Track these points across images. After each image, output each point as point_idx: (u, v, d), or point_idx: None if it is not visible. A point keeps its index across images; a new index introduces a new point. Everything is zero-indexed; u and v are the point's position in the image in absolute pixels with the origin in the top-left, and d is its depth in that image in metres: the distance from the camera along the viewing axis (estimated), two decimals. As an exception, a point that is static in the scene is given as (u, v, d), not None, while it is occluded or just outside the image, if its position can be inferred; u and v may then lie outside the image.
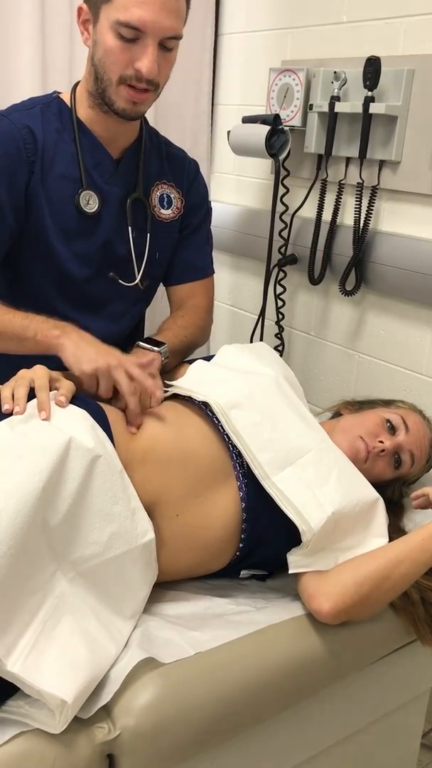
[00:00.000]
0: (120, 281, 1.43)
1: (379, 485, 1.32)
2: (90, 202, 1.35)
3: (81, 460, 1.05)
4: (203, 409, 1.27)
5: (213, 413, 1.25)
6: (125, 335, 1.56)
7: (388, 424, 1.35)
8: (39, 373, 1.17)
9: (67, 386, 1.18)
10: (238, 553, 1.22)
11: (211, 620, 1.13)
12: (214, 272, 1.66)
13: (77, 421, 1.12)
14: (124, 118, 1.30)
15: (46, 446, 1.03)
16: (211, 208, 1.63)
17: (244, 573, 1.25)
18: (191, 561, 1.21)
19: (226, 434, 1.23)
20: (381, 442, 1.32)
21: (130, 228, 1.43)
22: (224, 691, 1.03)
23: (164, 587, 1.20)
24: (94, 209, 1.37)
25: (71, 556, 1.03)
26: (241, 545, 1.21)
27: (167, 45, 1.23)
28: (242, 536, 1.20)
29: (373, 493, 1.25)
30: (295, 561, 1.16)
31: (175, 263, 1.58)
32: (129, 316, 1.54)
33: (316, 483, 1.19)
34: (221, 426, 1.24)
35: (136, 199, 1.43)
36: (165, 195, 1.46)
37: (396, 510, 1.40)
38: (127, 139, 1.42)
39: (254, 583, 1.26)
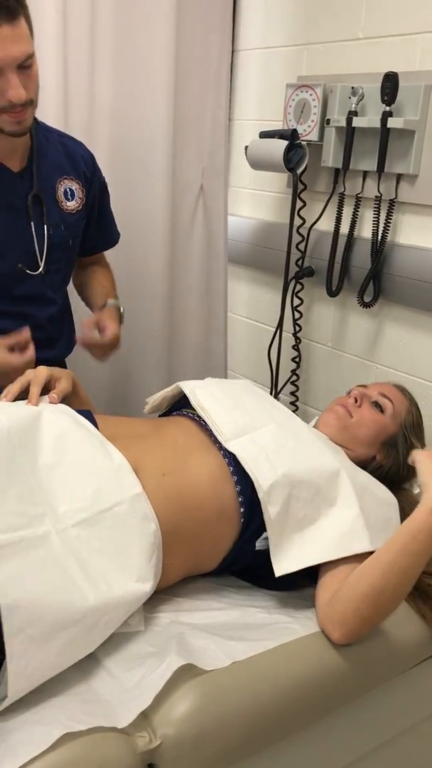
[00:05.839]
0: (27, 271, 1.54)
1: (393, 445, 1.43)
2: None
3: (57, 419, 1.19)
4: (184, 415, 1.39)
5: (193, 417, 1.36)
6: (61, 310, 1.68)
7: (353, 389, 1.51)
8: (39, 371, 1.29)
9: (62, 387, 1.29)
10: (242, 520, 1.23)
11: (245, 630, 1.13)
12: (119, 235, 1.82)
13: (63, 413, 1.23)
14: (17, 136, 1.42)
15: (18, 408, 1.19)
16: (106, 184, 1.73)
17: (259, 545, 1.24)
18: (193, 524, 1.21)
19: (203, 421, 1.33)
20: (348, 394, 1.48)
21: (33, 223, 1.53)
22: (262, 700, 1.03)
23: (194, 595, 1.22)
24: None
25: (59, 509, 1.06)
26: (242, 510, 1.23)
27: (25, 64, 1.31)
28: (240, 499, 1.23)
29: (332, 463, 1.28)
30: (276, 560, 1.18)
31: (90, 237, 1.70)
32: (56, 296, 1.64)
33: (272, 449, 1.25)
34: (196, 416, 1.35)
35: (35, 195, 1.53)
36: (68, 189, 1.58)
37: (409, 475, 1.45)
38: (24, 147, 1.52)
39: (287, 594, 1.27)
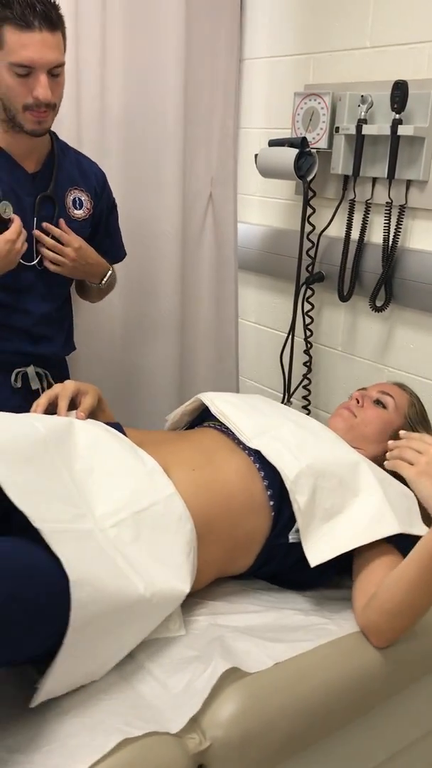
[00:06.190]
0: (22, 261, 1.61)
1: None
2: (6, 211, 1.57)
3: (89, 427, 1.24)
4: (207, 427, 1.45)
5: (214, 426, 1.42)
6: (59, 309, 1.76)
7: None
8: (66, 385, 1.35)
9: (88, 403, 1.34)
10: (273, 513, 1.27)
11: (283, 632, 1.16)
12: (126, 254, 1.90)
13: (93, 423, 1.28)
14: (34, 136, 1.56)
15: (51, 418, 1.24)
16: (115, 204, 1.83)
17: (292, 537, 1.27)
18: (224, 518, 1.24)
19: (224, 428, 1.39)
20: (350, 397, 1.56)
21: (36, 219, 1.63)
22: (305, 700, 1.06)
23: (228, 599, 1.24)
24: (10, 215, 1.57)
25: (96, 512, 1.09)
26: (271, 503, 1.27)
27: (54, 72, 1.47)
28: (268, 492, 1.27)
29: (351, 455, 1.34)
30: (307, 550, 1.21)
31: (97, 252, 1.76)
32: (54, 294, 1.73)
33: (294, 444, 1.31)
34: (217, 425, 1.40)
35: (45, 197, 1.64)
36: (77, 198, 1.69)
37: None
38: (41, 152, 1.64)
39: (321, 595, 1.30)
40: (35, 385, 1.72)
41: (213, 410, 1.43)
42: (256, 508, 1.27)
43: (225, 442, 1.36)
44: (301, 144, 1.93)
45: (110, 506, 1.11)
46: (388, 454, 1.25)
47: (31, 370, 1.71)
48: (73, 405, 1.34)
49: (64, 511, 1.04)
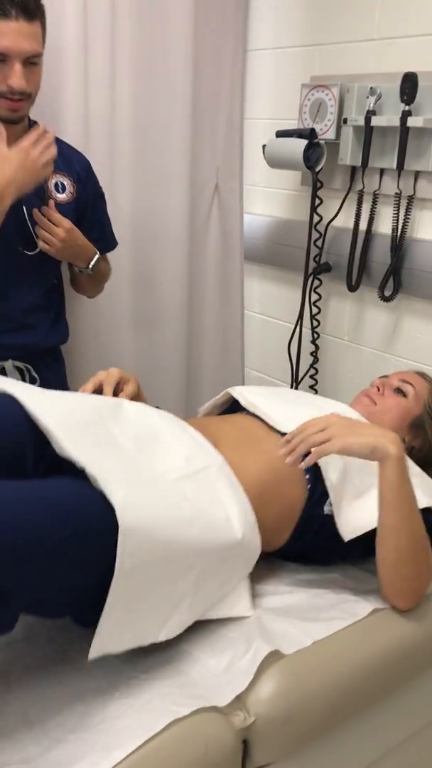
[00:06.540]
0: (21, 249, 1.63)
1: (420, 426, 1.51)
2: None
3: (137, 404, 1.30)
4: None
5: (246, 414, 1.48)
6: (45, 296, 1.75)
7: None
8: (111, 372, 1.39)
9: (130, 390, 1.38)
10: (309, 485, 1.31)
11: (317, 611, 1.19)
12: (117, 244, 1.88)
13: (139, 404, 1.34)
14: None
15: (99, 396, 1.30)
16: (102, 194, 1.82)
17: (327, 510, 1.31)
18: (269, 488, 1.29)
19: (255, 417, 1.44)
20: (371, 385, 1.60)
21: (24, 207, 1.61)
22: (344, 676, 1.09)
23: (258, 581, 1.27)
24: None
25: (157, 470, 1.15)
26: (307, 476, 1.32)
27: (31, 61, 1.48)
28: (303, 468, 1.31)
29: None
30: (340, 524, 1.27)
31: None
32: (41, 280, 1.73)
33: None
34: (248, 414, 1.47)
35: None
36: (59, 182, 1.68)
37: None
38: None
39: (348, 575, 1.33)
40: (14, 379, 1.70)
41: (243, 402, 1.49)
42: (295, 480, 1.32)
43: (260, 425, 1.42)
44: (309, 135, 1.94)
45: (169, 465, 1.16)
46: (289, 459, 1.22)
47: (8, 364, 1.69)
48: (115, 393, 1.38)
49: (125, 463, 1.10)
